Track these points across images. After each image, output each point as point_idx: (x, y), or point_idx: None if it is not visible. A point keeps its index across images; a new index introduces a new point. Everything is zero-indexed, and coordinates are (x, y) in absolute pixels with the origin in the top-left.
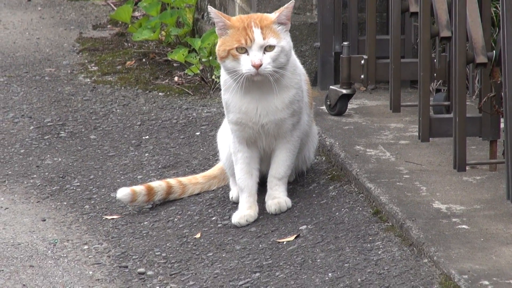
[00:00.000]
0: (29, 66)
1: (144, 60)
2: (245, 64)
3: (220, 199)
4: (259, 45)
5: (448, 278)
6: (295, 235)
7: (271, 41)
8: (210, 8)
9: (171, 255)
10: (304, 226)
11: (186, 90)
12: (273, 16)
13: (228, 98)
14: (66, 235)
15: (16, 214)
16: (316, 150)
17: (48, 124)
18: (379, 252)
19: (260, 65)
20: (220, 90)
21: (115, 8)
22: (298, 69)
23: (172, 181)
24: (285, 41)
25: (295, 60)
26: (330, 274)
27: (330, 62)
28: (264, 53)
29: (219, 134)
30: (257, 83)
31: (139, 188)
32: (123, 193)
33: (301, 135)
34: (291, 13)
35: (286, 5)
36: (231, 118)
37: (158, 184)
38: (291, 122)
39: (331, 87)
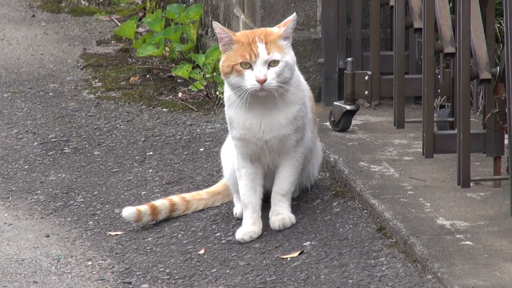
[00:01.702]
0: (33, 82)
1: (148, 76)
2: (250, 79)
3: (224, 215)
4: (263, 60)
5: None
6: (299, 251)
7: (276, 56)
8: (215, 24)
9: (175, 271)
10: (308, 242)
11: (190, 106)
12: (278, 30)
13: (232, 114)
14: (70, 251)
15: (20, 230)
16: (320, 166)
17: (52, 140)
18: (383, 268)
19: (265, 80)
20: (224, 106)
21: (119, 24)
22: (301, 85)
23: (175, 198)
24: (289, 55)
25: (298, 75)
26: None
27: (334, 78)
28: (269, 68)
29: (222, 150)
30: (261, 98)
31: (144, 208)
32: (128, 211)
33: (304, 151)
34: (294, 25)
35: (289, 18)
36: (234, 134)
37: (161, 203)
38: (295, 138)
39: (335, 103)
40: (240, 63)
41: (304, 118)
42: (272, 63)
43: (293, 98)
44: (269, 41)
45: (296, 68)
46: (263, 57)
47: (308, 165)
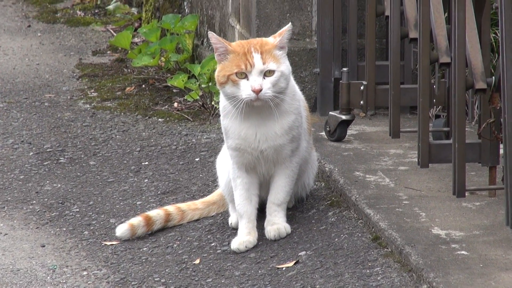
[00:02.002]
0: (29, 92)
1: (143, 86)
2: (245, 89)
3: (220, 225)
4: (259, 70)
5: None
6: (294, 261)
7: (271, 66)
8: (211, 34)
9: (170, 281)
10: (303, 252)
11: (186, 116)
12: (273, 41)
13: (227, 124)
14: (65, 261)
15: (15, 240)
16: (316, 176)
17: (48, 150)
18: (378, 278)
19: (260, 90)
20: (219, 116)
21: (115, 34)
22: (297, 95)
23: (171, 208)
24: (284, 65)
25: (294, 85)
26: None
27: (329, 88)
28: (264, 78)
29: (218, 160)
30: (256, 108)
31: (137, 220)
32: (121, 230)
33: (300, 161)
34: (289, 35)
35: (285, 28)
36: (230, 144)
37: (156, 213)
38: (290, 148)
39: (330, 113)
40: (236, 73)
41: (299, 128)
42: (267, 73)
43: (289, 108)
44: (265, 51)
45: (292, 78)
46: (259, 67)
47: (303, 175)
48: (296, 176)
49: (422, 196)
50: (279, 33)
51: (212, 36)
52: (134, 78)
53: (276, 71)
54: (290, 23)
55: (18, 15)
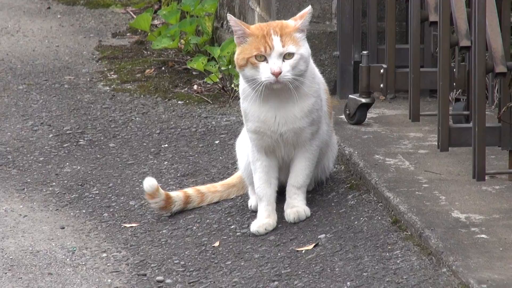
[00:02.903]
0: (49, 74)
1: (163, 68)
2: (265, 72)
3: (239, 207)
4: (278, 53)
5: (466, 287)
6: (313, 244)
7: (290, 48)
8: (230, 16)
9: (189, 263)
10: (323, 235)
11: (205, 98)
12: (294, 23)
13: (247, 106)
14: (84, 243)
15: (35, 222)
16: (335, 159)
17: (67, 132)
18: (398, 261)
19: (280, 73)
20: (239, 98)
21: (135, 16)
22: (317, 78)
23: (190, 190)
24: (304, 48)
25: (314, 68)
26: (348, 283)
27: (349, 71)
28: (284, 61)
29: (237, 143)
30: (276, 91)
31: (162, 191)
32: (149, 183)
33: (320, 144)
34: (310, 18)
35: (305, 11)
36: (249, 126)
37: (176, 195)
38: (310, 131)
39: (350, 96)
40: (255, 56)
41: (319, 111)
42: (287, 56)
43: (308, 90)
44: (284, 34)
45: (311, 61)
46: (278, 50)
47: (323, 158)
48: (316, 159)
49: (441, 180)
50: (299, 15)
51: (231, 18)
52: (153, 61)
53: (295, 54)
54: (310, 6)
55: None
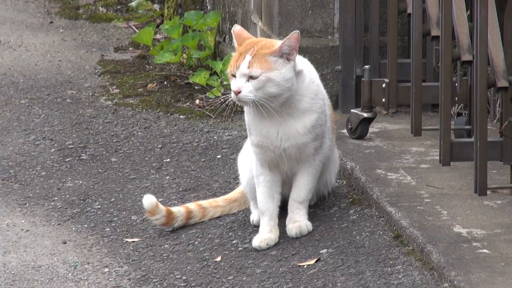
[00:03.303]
0: (51, 89)
1: (165, 82)
2: (232, 88)
3: (241, 222)
4: (241, 73)
5: None
6: (315, 259)
7: (254, 71)
8: (235, 27)
9: (191, 278)
10: (325, 250)
11: (207, 113)
12: (276, 46)
13: (249, 120)
14: (86, 257)
15: (37, 237)
16: (337, 173)
17: (69, 146)
18: (400, 276)
19: (239, 92)
20: (241, 113)
21: (137, 31)
22: (320, 94)
23: (192, 205)
24: (277, 72)
25: (318, 85)
26: None
27: (351, 86)
28: (248, 80)
29: (239, 158)
30: (277, 107)
31: (162, 208)
32: (148, 200)
33: (323, 159)
34: (297, 42)
35: (289, 35)
36: (253, 140)
37: (178, 210)
38: (314, 146)
39: (352, 110)
40: (229, 72)
41: (323, 126)
42: (254, 77)
43: (310, 106)
44: (258, 55)
45: (316, 77)
46: (242, 70)
47: (325, 172)
48: (319, 174)
49: (443, 194)
50: (285, 39)
51: (234, 30)
52: (156, 75)
53: (261, 76)
54: (297, 32)
55: (40, 11)
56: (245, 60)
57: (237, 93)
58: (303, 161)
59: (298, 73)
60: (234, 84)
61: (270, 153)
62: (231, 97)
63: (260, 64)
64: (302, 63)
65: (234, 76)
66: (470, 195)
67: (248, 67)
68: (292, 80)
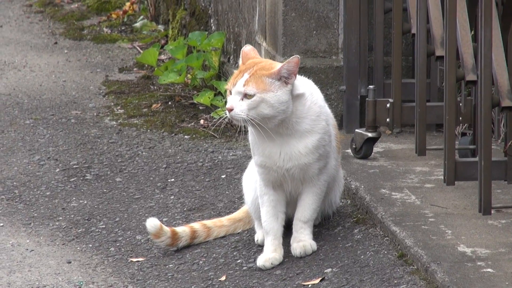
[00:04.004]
0: (55, 109)
1: (170, 103)
2: (226, 105)
3: (245, 242)
4: (236, 91)
5: None
6: (320, 278)
7: (249, 90)
8: (246, 46)
9: None
10: (329, 269)
11: (212, 133)
12: (275, 68)
13: (252, 140)
14: (91, 277)
15: (42, 256)
16: (342, 193)
17: (74, 166)
18: None
19: (231, 110)
20: (245, 133)
21: (141, 51)
22: (323, 115)
23: (197, 225)
24: (272, 94)
25: (320, 106)
26: None
27: (355, 106)
28: (242, 99)
29: (244, 178)
30: (275, 128)
31: (166, 229)
32: (151, 223)
33: (328, 179)
34: (296, 67)
35: (289, 59)
36: (256, 160)
37: (182, 230)
38: (317, 166)
39: (356, 130)
40: (227, 88)
41: (327, 146)
42: (247, 96)
43: (311, 128)
44: (256, 75)
45: (318, 98)
46: (237, 88)
47: (330, 192)
48: (324, 194)
49: (448, 214)
50: (284, 62)
51: (243, 49)
52: (160, 95)
53: (255, 96)
54: (297, 56)
55: (45, 32)
56: (242, 78)
57: (230, 110)
58: (307, 181)
59: (297, 96)
60: (229, 101)
61: (273, 173)
62: (226, 115)
63: (256, 84)
64: (305, 84)
65: (231, 93)
66: (474, 214)
67: (244, 85)
68: (287, 103)
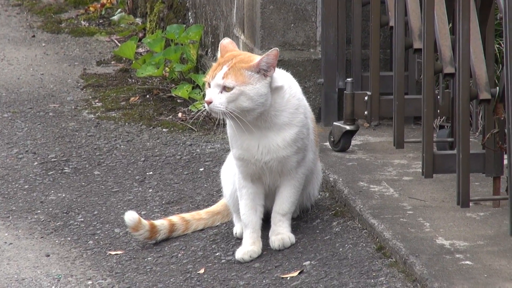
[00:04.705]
0: (33, 102)
1: (148, 96)
2: (205, 98)
3: (224, 234)
4: (215, 83)
5: None
6: (298, 271)
7: (228, 82)
8: (224, 39)
9: None
10: (308, 262)
11: (190, 126)
12: (254, 61)
13: (231, 132)
14: (70, 270)
15: (20, 250)
16: (320, 186)
17: (52, 160)
18: None
19: (210, 102)
20: (223, 126)
21: (119, 44)
22: (301, 108)
23: (175, 218)
24: (251, 86)
25: (298, 99)
26: None
27: (333, 98)
28: (221, 92)
29: (222, 170)
30: (252, 121)
31: (144, 222)
32: (130, 217)
33: (306, 172)
34: (275, 59)
35: (268, 52)
36: (234, 153)
37: (161, 223)
38: (295, 159)
39: (334, 123)
40: (206, 81)
41: (305, 139)
42: (226, 88)
43: (290, 121)
44: (234, 67)
45: (297, 91)
46: (216, 81)
47: (308, 185)
48: (302, 187)
49: (426, 206)
50: (263, 55)
51: (222, 42)
52: (138, 88)
53: (234, 89)
54: (276, 49)
55: (22, 25)
56: (221, 71)
57: (209, 103)
58: (286, 174)
59: (276, 89)
60: (207, 94)
61: (252, 166)
62: (204, 107)
63: (235, 77)
64: (284, 77)
65: (208, 86)
66: (452, 207)
67: (223, 78)
68: (266, 96)
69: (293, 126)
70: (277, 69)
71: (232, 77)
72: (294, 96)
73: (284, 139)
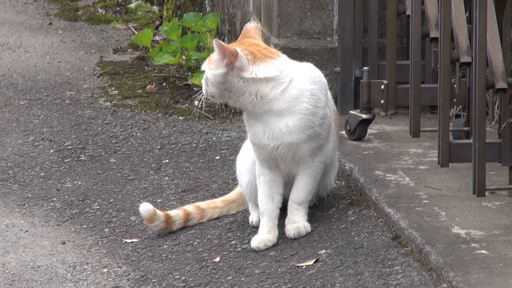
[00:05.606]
0: (50, 90)
1: (164, 84)
2: None
3: (240, 223)
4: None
5: None
6: (314, 260)
7: (203, 66)
8: (250, 23)
9: (190, 279)
10: (323, 251)
11: (206, 114)
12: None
13: (244, 117)
14: (85, 258)
15: (36, 237)
16: (336, 175)
17: (68, 147)
18: (398, 277)
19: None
20: (239, 114)
21: (136, 32)
22: (305, 97)
23: (190, 208)
24: (211, 72)
25: (300, 90)
26: None
27: (350, 87)
28: None
29: (238, 159)
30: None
31: (159, 213)
32: (145, 208)
33: (324, 160)
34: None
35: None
36: (249, 137)
37: (176, 214)
38: (308, 148)
39: (351, 112)
40: None
41: (316, 128)
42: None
43: (288, 107)
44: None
45: (305, 79)
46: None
47: (326, 175)
48: (320, 176)
49: (442, 195)
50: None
51: (247, 25)
52: (154, 76)
53: (205, 72)
54: (217, 40)
55: (39, 13)
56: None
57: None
58: (301, 162)
59: (259, 80)
60: None
61: (263, 151)
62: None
63: (210, 62)
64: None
65: None
66: (468, 196)
67: (208, 61)
68: (230, 84)
69: (296, 113)
70: (283, 60)
71: (209, 61)
72: (294, 87)
73: (287, 125)
